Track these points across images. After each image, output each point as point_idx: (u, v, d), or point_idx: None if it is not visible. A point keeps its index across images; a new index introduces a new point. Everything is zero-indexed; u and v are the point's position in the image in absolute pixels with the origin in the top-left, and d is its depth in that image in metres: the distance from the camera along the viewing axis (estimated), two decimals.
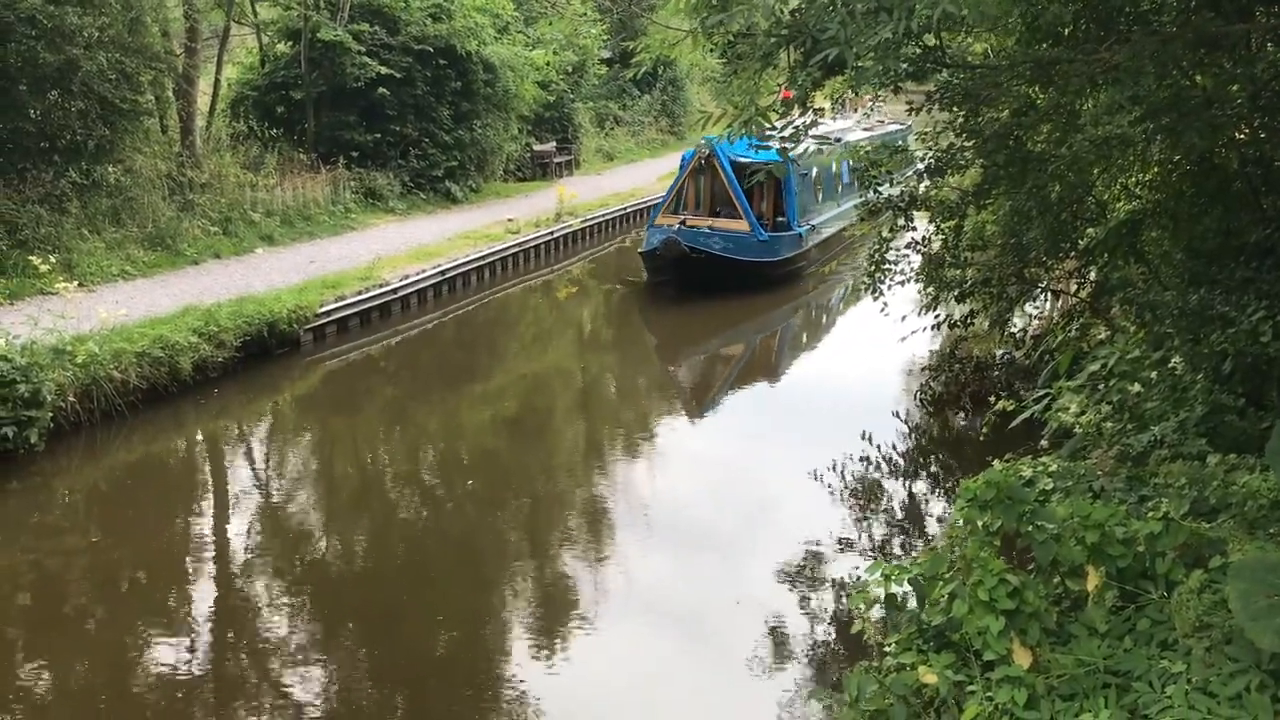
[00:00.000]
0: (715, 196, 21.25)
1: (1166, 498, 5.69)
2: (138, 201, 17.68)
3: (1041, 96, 8.46)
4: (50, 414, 11.28)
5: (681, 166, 21.41)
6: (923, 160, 11.35)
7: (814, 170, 23.08)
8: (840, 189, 25.17)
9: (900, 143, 28.61)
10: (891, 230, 13.06)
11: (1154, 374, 7.73)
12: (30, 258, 13.93)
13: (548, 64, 29.39)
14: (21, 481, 10.94)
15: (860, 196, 24.76)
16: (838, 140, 23.94)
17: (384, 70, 23.41)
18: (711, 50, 8.03)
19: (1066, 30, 7.31)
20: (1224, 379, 7.19)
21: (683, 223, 20.15)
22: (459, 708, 7.56)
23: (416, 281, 18.62)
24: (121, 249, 16.78)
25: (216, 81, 22.76)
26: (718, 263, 19.57)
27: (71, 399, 11.83)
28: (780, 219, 21.70)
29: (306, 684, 7.72)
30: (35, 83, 15.92)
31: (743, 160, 20.25)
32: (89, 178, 16.92)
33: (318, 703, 7.49)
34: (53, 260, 14.01)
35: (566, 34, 32.02)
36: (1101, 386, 8.30)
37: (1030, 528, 5.42)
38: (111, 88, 16.67)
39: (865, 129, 27.63)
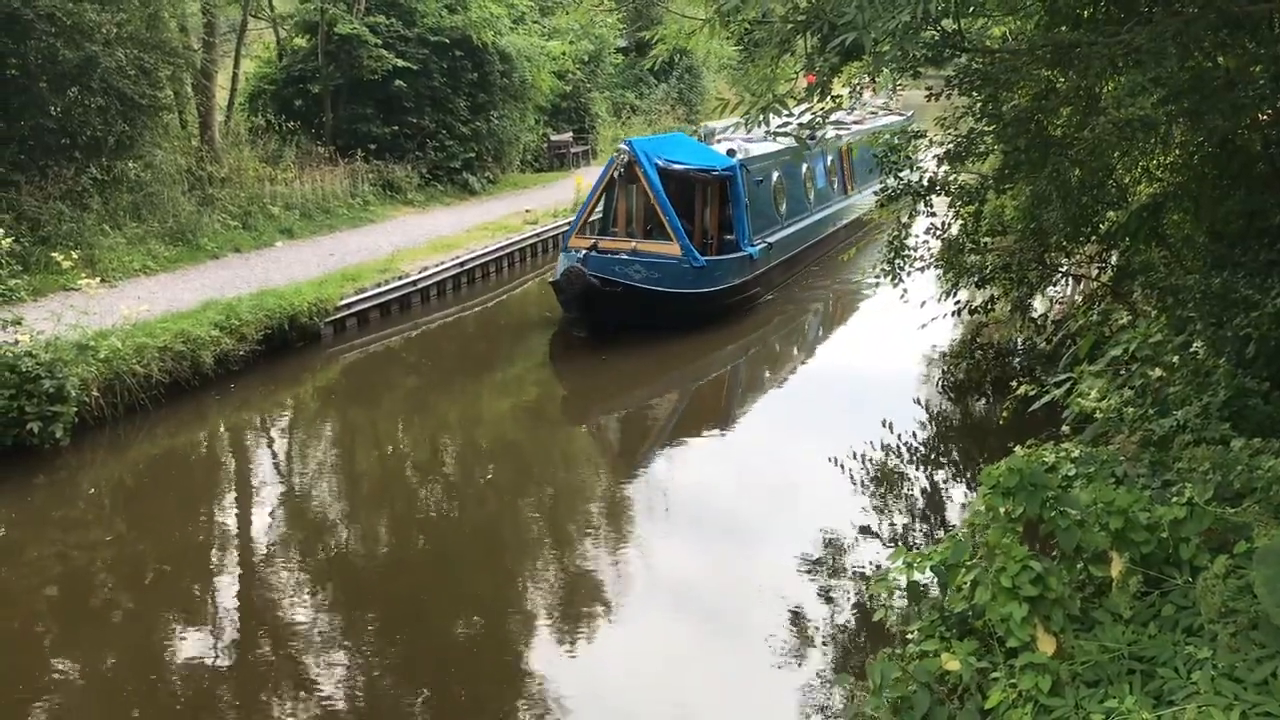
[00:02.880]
0: (649, 212, 17.27)
1: (1190, 483, 5.64)
2: (158, 197, 17.78)
3: (1062, 80, 8.39)
4: (74, 409, 11.38)
5: (601, 175, 17.52)
6: (941, 145, 11.29)
7: (774, 176, 19.46)
8: (812, 196, 21.73)
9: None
10: (911, 216, 13.00)
11: (1176, 358, 7.68)
12: (53, 254, 14.03)
13: (564, 54, 29.35)
14: (47, 475, 11.04)
15: (843, 201, 23.49)
16: (811, 137, 21.58)
17: (401, 62, 23.45)
18: (728, 38, 8.01)
19: (1086, 13, 7.26)
20: (1247, 363, 7.13)
21: (593, 247, 16.34)
22: (483, 695, 7.59)
23: (436, 273, 18.65)
24: (142, 244, 16.88)
25: (234, 76, 22.86)
26: (638, 297, 15.81)
27: (95, 394, 11.93)
28: (729, 237, 17.94)
29: (330, 673, 7.77)
30: (55, 80, 16.02)
31: (676, 167, 17.14)
32: (110, 173, 17.03)
33: (341, 691, 7.54)
34: (75, 256, 14.10)
35: (583, 24, 31.97)
36: (1123, 371, 8.25)
37: (1053, 514, 5.40)
38: (130, 83, 16.76)
39: (855, 122, 25.78)
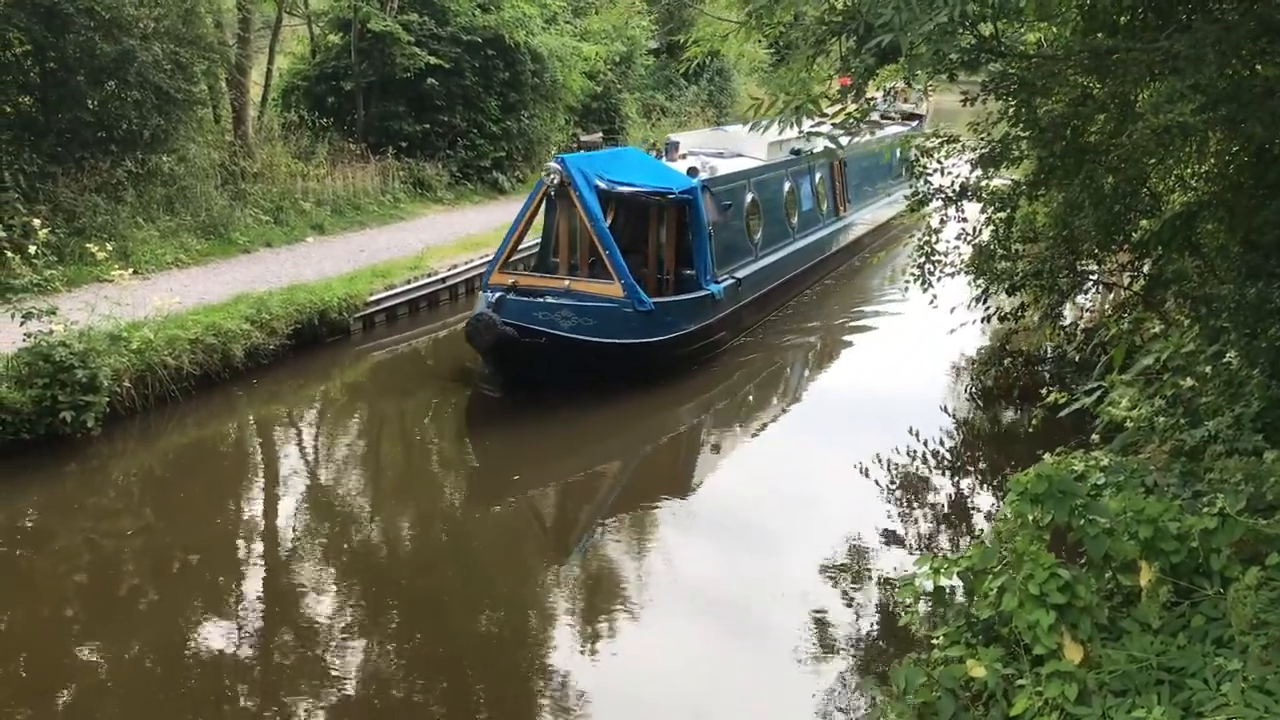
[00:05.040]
0: (594, 244, 14.09)
1: (1222, 493, 5.59)
2: (191, 190, 17.94)
3: (1098, 86, 8.34)
4: (106, 399, 11.50)
5: (529, 199, 14.34)
6: (975, 150, 11.25)
7: (746, 197, 16.53)
8: (796, 220, 18.72)
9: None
10: (942, 222, 12.95)
11: (1209, 368, 7.61)
12: (87, 245, 14.16)
13: (596, 55, 29.40)
14: (79, 464, 11.16)
15: (834, 224, 21.11)
16: (796, 153, 18.75)
17: (433, 61, 23.55)
18: (760, 40, 8.01)
19: (1124, 19, 7.20)
20: None
21: (511, 287, 13.53)
22: (503, 693, 7.61)
23: (465, 271, 18.70)
24: (175, 237, 17.02)
25: (268, 72, 23.01)
26: (567, 350, 12.90)
27: (127, 384, 12.06)
28: (689, 272, 14.93)
29: (351, 666, 7.83)
30: (93, 73, 16.20)
31: (623, 189, 14.13)
32: (144, 167, 17.19)
33: (362, 684, 7.59)
34: (109, 248, 14.24)
35: (617, 25, 31.98)
36: (1155, 381, 8.19)
37: (1082, 522, 5.36)
38: (166, 78, 16.91)
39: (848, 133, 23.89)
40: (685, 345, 14.26)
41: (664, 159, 16.38)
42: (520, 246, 14.57)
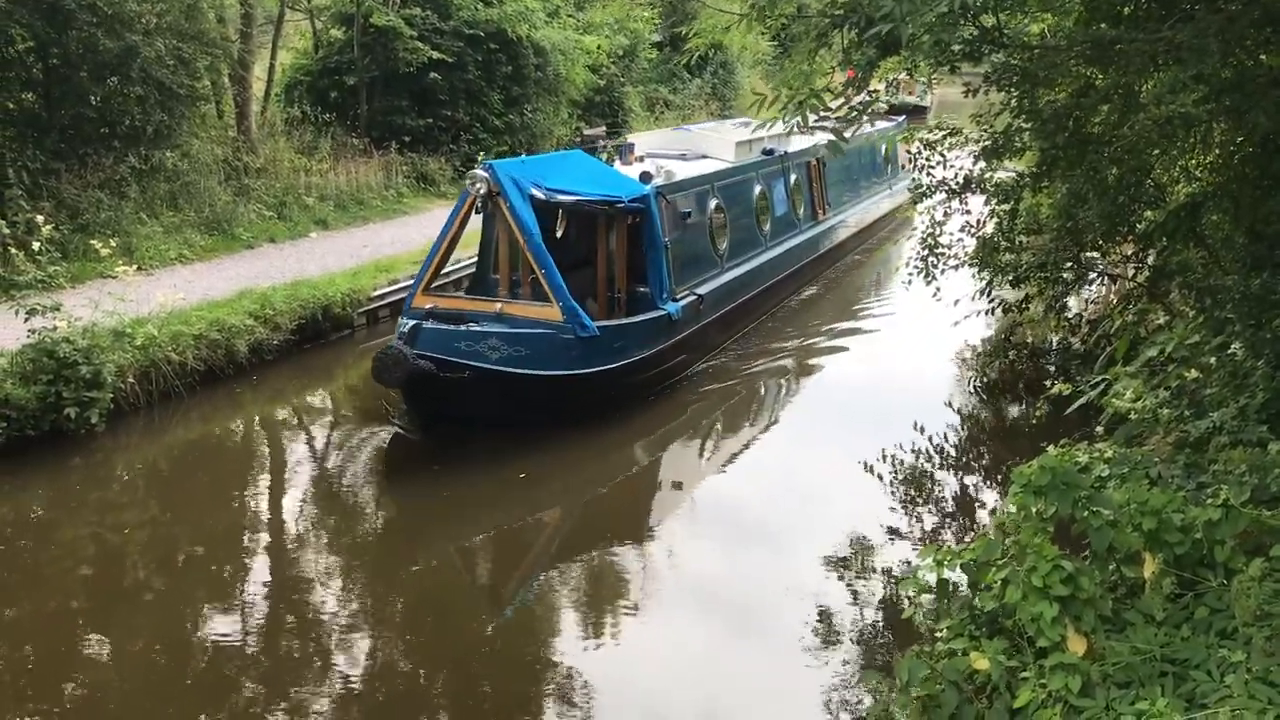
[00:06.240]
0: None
1: (1226, 485, 5.58)
2: (195, 186, 17.95)
3: (1101, 77, 8.32)
4: (110, 395, 11.51)
5: (455, 210, 12.47)
6: (978, 142, 11.23)
7: (710, 204, 14.95)
8: (768, 227, 17.15)
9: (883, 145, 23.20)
10: (946, 214, 12.93)
11: (1213, 360, 7.60)
12: (91, 241, 14.17)
13: (599, 48, 29.38)
14: (83, 459, 11.18)
15: (812, 229, 19.55)
16: (768, 153, 17.58)
17: (436, 55, 23.54)
18: (763, 33, 7.98)
19: (1127, 9, 7.18)
20: None
21: (430, 311, 11.90)
22: (508, 687, 7.62)
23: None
24: (179, 233, 17.03)
25: (271, 67, 23.02)
26: (496, 385, 11.21)
27: (131, 380, 12.07)
28: (643, 289, 13.37)
29: (355, 660, 7.85)
30: (95, 69, 16.20)
31: (564, 198, 12.30)
32: (147, 163, 17.20)
33: (366, 678, 7.61)
34: (113, 244, 14.26)
35: (619, 18, 31.95)
36: (1159, 372, 8.17)
37: (1086, 513, 5.36)
38: (169, 73, 16.91)
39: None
40: (637, 373, 12.56)
41: (618, 162, 15.02)
42: (459, 262, 13.51)
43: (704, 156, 16.51)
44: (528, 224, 11.66)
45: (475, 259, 14.35)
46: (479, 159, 24.68)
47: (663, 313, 12.95)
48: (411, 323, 11.48)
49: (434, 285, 12.53)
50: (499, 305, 12.04)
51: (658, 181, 13.49)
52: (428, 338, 11.19)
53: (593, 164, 14.07)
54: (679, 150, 16.70)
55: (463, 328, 11.47)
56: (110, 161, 16.47)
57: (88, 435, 11.29)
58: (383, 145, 23.35)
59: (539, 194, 12.00)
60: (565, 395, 11.72)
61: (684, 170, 14.83)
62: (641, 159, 15.22)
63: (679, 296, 13.42)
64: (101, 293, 12.70)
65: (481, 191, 11.71)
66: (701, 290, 14.08)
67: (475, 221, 12.71)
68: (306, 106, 23.60)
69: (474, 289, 13.58)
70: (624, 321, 12.74)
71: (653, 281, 13.15)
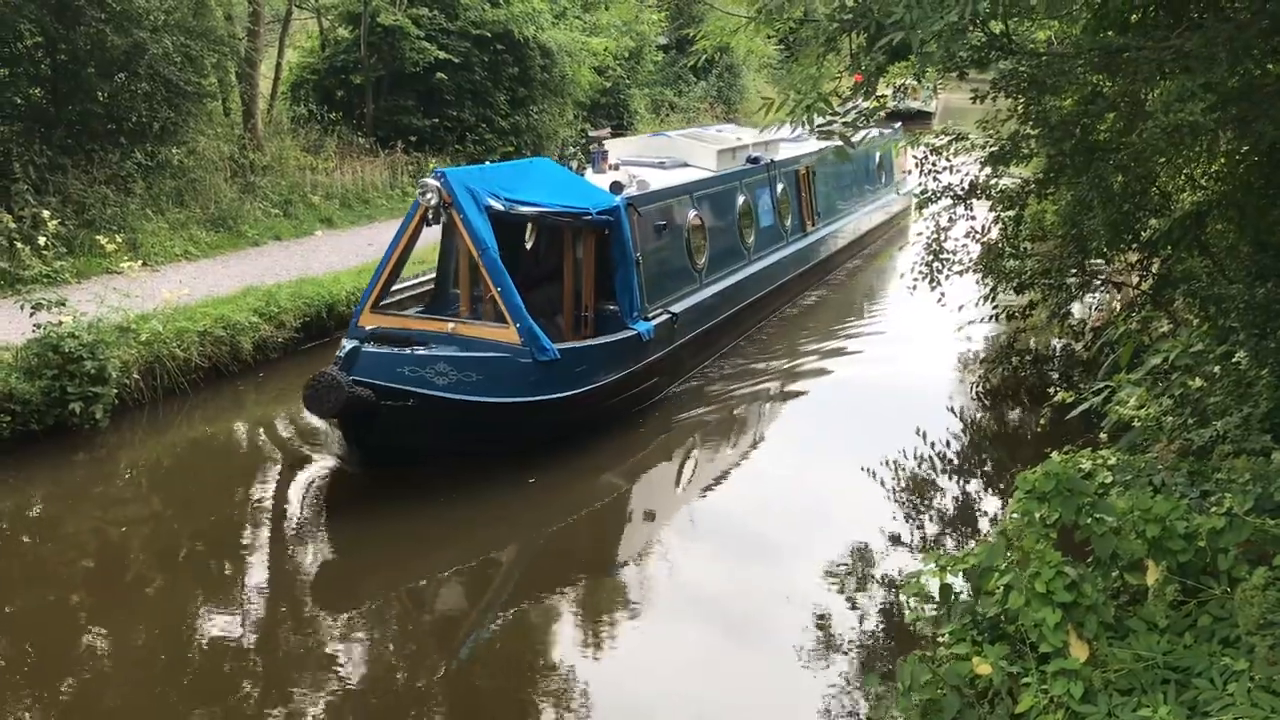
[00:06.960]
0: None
1: (1229, 493, 5.59)
2: (201, 183, 18.00)
3: (1108, 85, 8.34)
4: (115, 390, 11.54)
5: (405, 221, 11.50)
6: (984, 148, 11.24)
7: (688, 215, 14.09)
8: (752, 240, 16.25)
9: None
10: (951, 220, 12.93)
11: (1218, 368, 7.60)
12: (97, 237, 14.22)
13: (605, 50, 29.43)
14: (87, 454, 11.20)
15: (800, 241, 18.60)
16: (753, 161, 16.62)
17: (442, 55, 23.60)
18: (770, 37, 8.00)
19: (1135, 17, 7.20)
20: None
21: (373, 332, 10.99)
22: (506, 691, 7.63)
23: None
24: (184, 230, 17.07)
25: (278, 65, 23.08)
26: (445, 414, 10.30)
27: (135, 376, 12.10)
28: (612, 307, 12.46)
29: (354, 660, 7.86)
30: (103, 66, 16.24)
31: (524, 209, 11.62)
32: (154, 159, 17.25)
33: (364, 679, 7.62)
34: (119, 240, 14.27)
35: (626, 20, 32.01)
36: (1163, 380, 8.18)
37: (1089, 520, 5.36)
38: (176, 70, 16.96)
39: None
40: (604, 399, 11.67)
41: (589, 171, 14.22)
42: (419, 276, 12.81)
43: (684, 165, 15.63)
44: (483, 237, 10.80)
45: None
46: (485, 160, 24.80)
47: (632, 333, 12.15)
48: (351, 345, 10.52)
49: (384, 302, 11.61)
50: (451, 325, 11.10)
51: (629, 192, 12.74)
52: (367, 362, 10.16)
53: (560, 173, 13.19)
54: (657, 158, 15.81)
55: (408, 351, 10.50)
56: (117, 157, 16.52)
57: (92, 430, 11.31)
58: (388, 145, 23.40)
59: (497, 205, 11.22)
60: (522, 424, 10.88)
61: (660, 179, 14.05)
62: (616, 167, 14.39)
63: (651, 315, 12.59)
64: (107, 288, 12.72)
65: (433, 202, 10.84)
66: (677, 308, 13.25)
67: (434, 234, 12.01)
68: (313, 105, 23.65)
69: (433, 306, 12.70)
70: (587, 344, 11.76)
71: (621, 299, 12.29)
